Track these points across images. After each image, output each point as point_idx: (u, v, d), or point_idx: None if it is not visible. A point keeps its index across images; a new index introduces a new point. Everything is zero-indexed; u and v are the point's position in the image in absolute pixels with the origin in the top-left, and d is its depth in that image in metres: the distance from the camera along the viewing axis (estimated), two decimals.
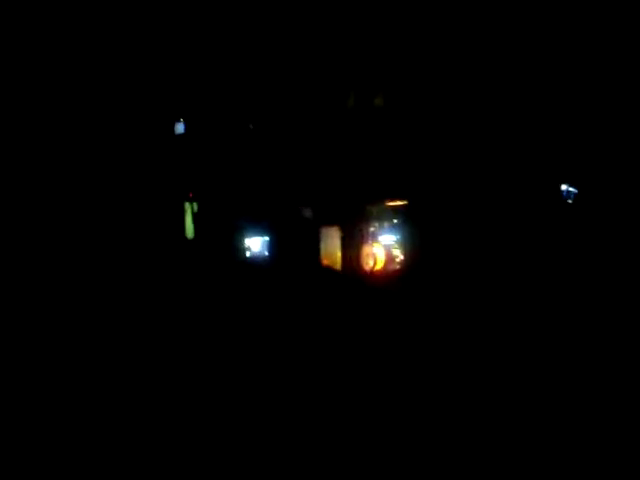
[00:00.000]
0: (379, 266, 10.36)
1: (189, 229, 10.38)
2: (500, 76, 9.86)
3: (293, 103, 10.41)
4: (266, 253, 10.42)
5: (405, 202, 10.44)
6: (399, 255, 10.44)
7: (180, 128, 10.53)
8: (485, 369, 7.84)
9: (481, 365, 7.96)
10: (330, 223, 10.51)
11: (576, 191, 9.69)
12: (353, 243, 10.50)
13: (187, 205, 10.42)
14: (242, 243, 10.41)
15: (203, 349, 8.46)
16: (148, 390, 7.30)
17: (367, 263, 10.39)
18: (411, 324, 9.10)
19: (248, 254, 10.46)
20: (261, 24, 9.97)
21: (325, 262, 10.42)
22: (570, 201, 9.72)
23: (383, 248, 10.40)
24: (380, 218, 10.53)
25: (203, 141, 10.33)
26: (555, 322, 8.54)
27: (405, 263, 10.37)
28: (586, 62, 9.52)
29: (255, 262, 10.39)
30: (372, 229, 10.54)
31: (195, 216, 10.19)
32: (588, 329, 8.22)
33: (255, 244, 10.47)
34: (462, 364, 8.04)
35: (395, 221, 10.49)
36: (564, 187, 9.74)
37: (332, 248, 10.49)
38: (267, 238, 10.42)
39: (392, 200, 10.49)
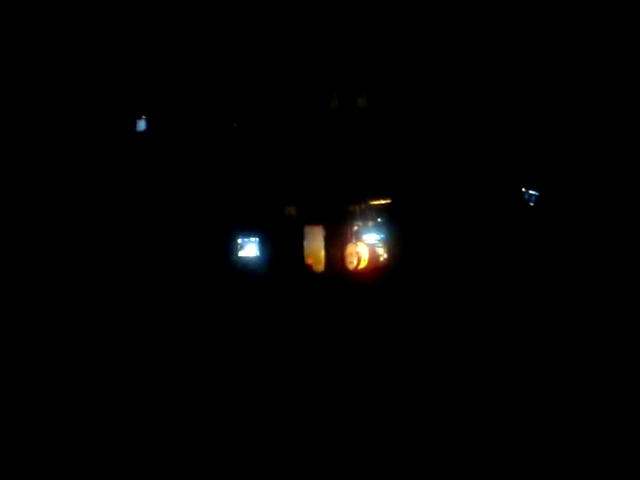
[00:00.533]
0: (363, 265, 10.31)
1: None
2: (477, 78, 9.99)
3: (276, 102, 10.45)
4: (253, 254, 10.34)
5: (389, 201, 10.44)
6: (383, 254, 10.40)
7: (142, 125, 10.21)
8: (467, 365, 7.82)
9: (463, 361, 7.93)
10: (314, 222, 10.48)
11: (537, 194, 9.76)
12: (337, 242, 10.47)
13: None
14: (225, 244, 10.35)
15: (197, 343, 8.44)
16: (141, 394, 7.26)
17: (351, 262, 10.34)
18: (395, 322, 9.07)
19: (236, 256, 10.37)
20: (243, 16, 10.01)
21: (309, 261, 10.36)
22: (532, 204, 9.80)
23: (367, 247, 10.34)
24: (364, 217, 10.51)
25: (175, 139, 10.18)
26: (528, 316, 8.60)
27: (389, 262, 10.33)
28: (546, 66, 9.66)
29: (243, 263, 10.32)
30: (356, 228, 10.50)
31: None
32: (558, 325, 8.29)
33: (244, 246, 10.39)
34: (444, 360, 8.02)
35: (379, 220, 10.46)
36: (525, 190, 9.82)
37: (316, 247, 10.46)
38: (253, 239, 10.35)
39: (376, 199, 10.49)
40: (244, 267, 10.15)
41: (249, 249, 10.24)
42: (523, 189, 9.70)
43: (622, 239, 8.90)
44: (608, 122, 9.25)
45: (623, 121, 9.16)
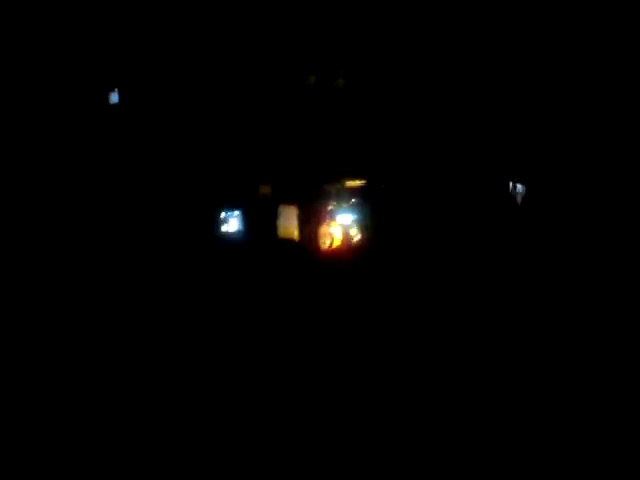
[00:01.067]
0: (336, 245, 10.33)
1: None
2: (460, 60, 9.97)
3: (252, 80, 10.32)
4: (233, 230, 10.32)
5: (364, 182, 10.45)
6: (357, 235, 10.42)
7: (114, 98, 9.87)
8: (437, 346, 7.89)
9: (433, 342, 8.00)
10: (288, 202, 10.44)
11: (525, 187, 9.85)
12: (311, 222, 10.45)
13: None
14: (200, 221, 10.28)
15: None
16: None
17: (324, 242, 10.35)
18: (366, 302, 9.14)
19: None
20: None
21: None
22: (519, 197, 9.88)
23: (341, 227, 10.35)
24: (338, 197, 10.49)
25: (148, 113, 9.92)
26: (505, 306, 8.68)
27: (362, 243, 10.37)
28: (531, 56, 9.67)
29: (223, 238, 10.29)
30: (330, 208, 10.48)
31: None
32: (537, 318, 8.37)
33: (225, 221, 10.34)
34: (412, 339, 8.08)
35: (353, 200, 10.46)
36: (513, 184, 9.89)
37: (289, 227, 10.42)
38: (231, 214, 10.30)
39: (351, 179, 10.48)
40: (224, 242, 10.12)
41: (230, 224, 10.21)
42: (510, 183, 9.74)
43: (616, 235, 8.93)
44: (598, 114, 9.29)
45: (614, 113, 9.20)
